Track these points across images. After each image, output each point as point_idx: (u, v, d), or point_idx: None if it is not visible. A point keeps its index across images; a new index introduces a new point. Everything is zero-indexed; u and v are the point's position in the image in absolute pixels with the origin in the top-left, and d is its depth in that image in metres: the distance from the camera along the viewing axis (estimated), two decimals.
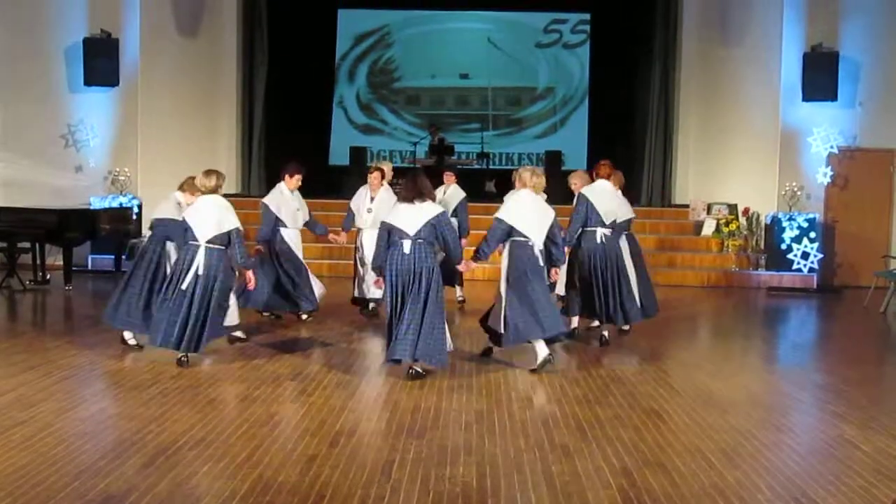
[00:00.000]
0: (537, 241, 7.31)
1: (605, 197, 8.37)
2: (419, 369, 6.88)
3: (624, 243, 8.70)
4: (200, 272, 7.19)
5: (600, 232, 8.26)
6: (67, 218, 11.89)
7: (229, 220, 7.29)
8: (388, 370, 7.11)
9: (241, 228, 7.33)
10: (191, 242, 7.24)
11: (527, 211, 7.36)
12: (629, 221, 9.07)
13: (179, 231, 7.40)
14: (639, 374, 7.28)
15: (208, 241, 7.21)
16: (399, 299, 6.89)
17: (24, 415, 5.65)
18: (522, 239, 7.29)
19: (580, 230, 8.28)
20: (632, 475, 4.77)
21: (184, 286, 7.17)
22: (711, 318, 11.09)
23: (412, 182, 7.13)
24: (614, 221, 8.40)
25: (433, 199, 7.18)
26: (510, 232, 7.31)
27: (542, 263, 7.34)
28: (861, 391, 6.87)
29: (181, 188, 7.91)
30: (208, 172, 7.40)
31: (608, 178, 8.52)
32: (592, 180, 8.61)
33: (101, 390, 6.58)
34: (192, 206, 7.42)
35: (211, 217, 7.24)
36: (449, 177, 11.04)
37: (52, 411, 5.76)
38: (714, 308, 11.70)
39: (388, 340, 6.93)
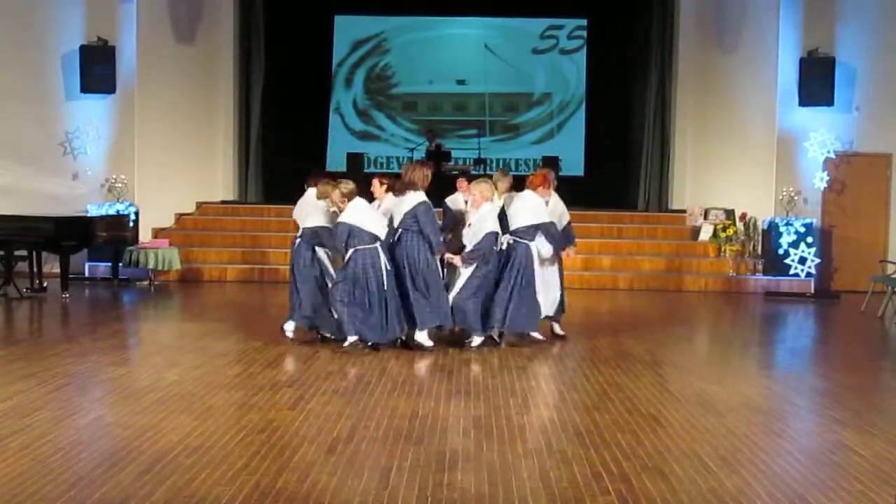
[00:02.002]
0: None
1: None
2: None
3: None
4: (388, 267, 8.02)
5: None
6: (64, 225, 11.87)
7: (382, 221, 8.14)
8: (387, 375, 7.11)
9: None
10: (362, 247, 7.93)
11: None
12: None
13: (330, 236, 8.21)
14: (637, 379, 7.27)
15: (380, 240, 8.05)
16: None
17: (20, 423, 5.63)
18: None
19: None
20: (630, 481, 4.76)
21: (384, 286, 7.98)
22: (709, 324, 11.09)
23: (407, 173, 8.29)
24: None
25: (418, 189, 8.15)
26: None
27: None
28: (859, 396, 6.87)
29: (324, 196, 8.35)
30: (347, 181, 8.20)
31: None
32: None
33: (99, 398, 6.56)
34: (350, 211, 7.99)
35: (376, 217, 8.10)
36: (462, 184, 10.08)
37: (48, 419, 5.74)
38: (711, 313, 11.70)
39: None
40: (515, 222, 8.48)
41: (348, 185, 8.11)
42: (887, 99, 13.86)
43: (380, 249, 8.00)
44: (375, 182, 8.86)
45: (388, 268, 8.00)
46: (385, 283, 7.96)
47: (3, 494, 4.38)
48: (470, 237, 8.26)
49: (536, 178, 8.78)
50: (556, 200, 8.95)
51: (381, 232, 8.04)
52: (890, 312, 11.14)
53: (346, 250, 7.96)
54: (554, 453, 5.22)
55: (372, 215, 8.13)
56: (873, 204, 14.04)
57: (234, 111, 16.19)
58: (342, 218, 7.99)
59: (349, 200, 8.02)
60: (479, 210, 8.24)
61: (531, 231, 8.47)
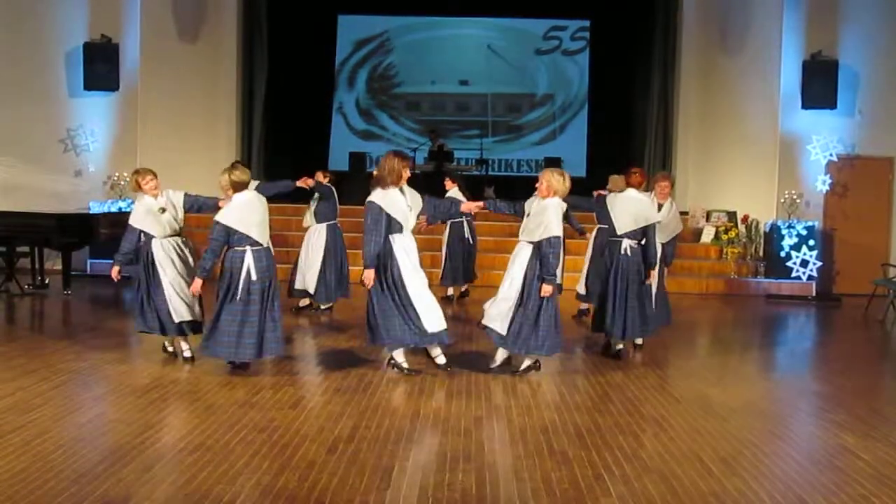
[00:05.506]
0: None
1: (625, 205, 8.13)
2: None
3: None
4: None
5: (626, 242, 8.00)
6: (66, 222, 11.89)
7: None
8: (388, 375, 7.11)
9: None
10: (238, 248, 6.98)
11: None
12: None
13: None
14: (638, 381, 7.27)
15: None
16: None
17: (22, 419, 5.64)
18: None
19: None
20: (631, 483, 4.76)
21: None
22: (710, 326, 11.08)
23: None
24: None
25: (386, 186, 6.99)
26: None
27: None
28: (860, 400, 6.87)
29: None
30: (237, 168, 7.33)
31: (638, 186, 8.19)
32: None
33: (100, 395, 6.56)
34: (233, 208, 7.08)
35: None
36: (448, 183, 11.74)
37: (50, 416, 5.75)
38: (713, 315, 11.69)
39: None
40: (621, 225, 7.95)
41: (235, 173, 7.22)
42: (890, 102, 13.86)
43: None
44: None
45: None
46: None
47: (5, 491, 4.39)
48: (527, 228, 7.11)
49: (633, 176, 8.16)
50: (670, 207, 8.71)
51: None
52: (891, 316, 11.14)
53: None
54: (555, 454, 5.22)
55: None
56: (875, 207, 14.04)
57: (237, 110, 16.20)
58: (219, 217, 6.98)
59: (234, 191, 7.13)
60: (542, 201, 7.08)
61: (636, 233, 7.94)
